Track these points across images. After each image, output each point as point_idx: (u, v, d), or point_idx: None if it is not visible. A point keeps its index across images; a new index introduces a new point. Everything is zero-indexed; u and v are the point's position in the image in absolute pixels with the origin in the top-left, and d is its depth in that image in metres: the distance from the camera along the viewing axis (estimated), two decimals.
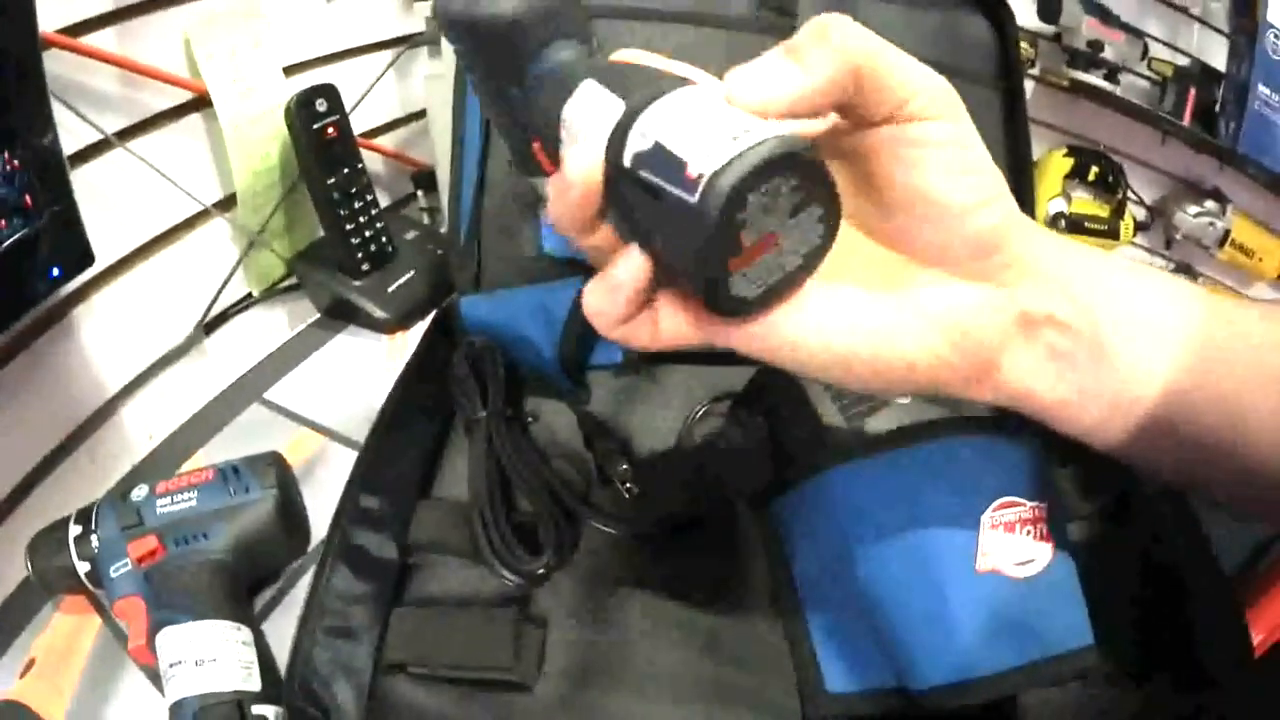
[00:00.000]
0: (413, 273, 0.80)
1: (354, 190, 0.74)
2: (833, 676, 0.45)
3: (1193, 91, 1.15)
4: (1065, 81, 1.14)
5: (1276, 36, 1.04)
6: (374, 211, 0.77)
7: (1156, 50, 1.17)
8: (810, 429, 0.50)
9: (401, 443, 0.55)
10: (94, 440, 0.64)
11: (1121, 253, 1.32)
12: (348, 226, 0.75)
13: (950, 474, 0.42)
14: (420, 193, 0.96)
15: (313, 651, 0.42)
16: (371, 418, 0.53)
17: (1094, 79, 1.13)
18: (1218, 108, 1.14)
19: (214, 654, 0.44)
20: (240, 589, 0.49)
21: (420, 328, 0.70)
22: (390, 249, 0.79)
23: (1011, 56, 0.66)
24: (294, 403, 0.70)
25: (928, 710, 0.40)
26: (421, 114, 0.94)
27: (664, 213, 0.24)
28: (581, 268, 0.62)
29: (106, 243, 0.60)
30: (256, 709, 0.42)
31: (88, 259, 0.56)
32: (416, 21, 0.89)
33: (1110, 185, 1.25)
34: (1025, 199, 0.67)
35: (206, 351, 0.75)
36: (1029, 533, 0.39)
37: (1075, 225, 1.24)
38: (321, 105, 0.71)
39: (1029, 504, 0.40)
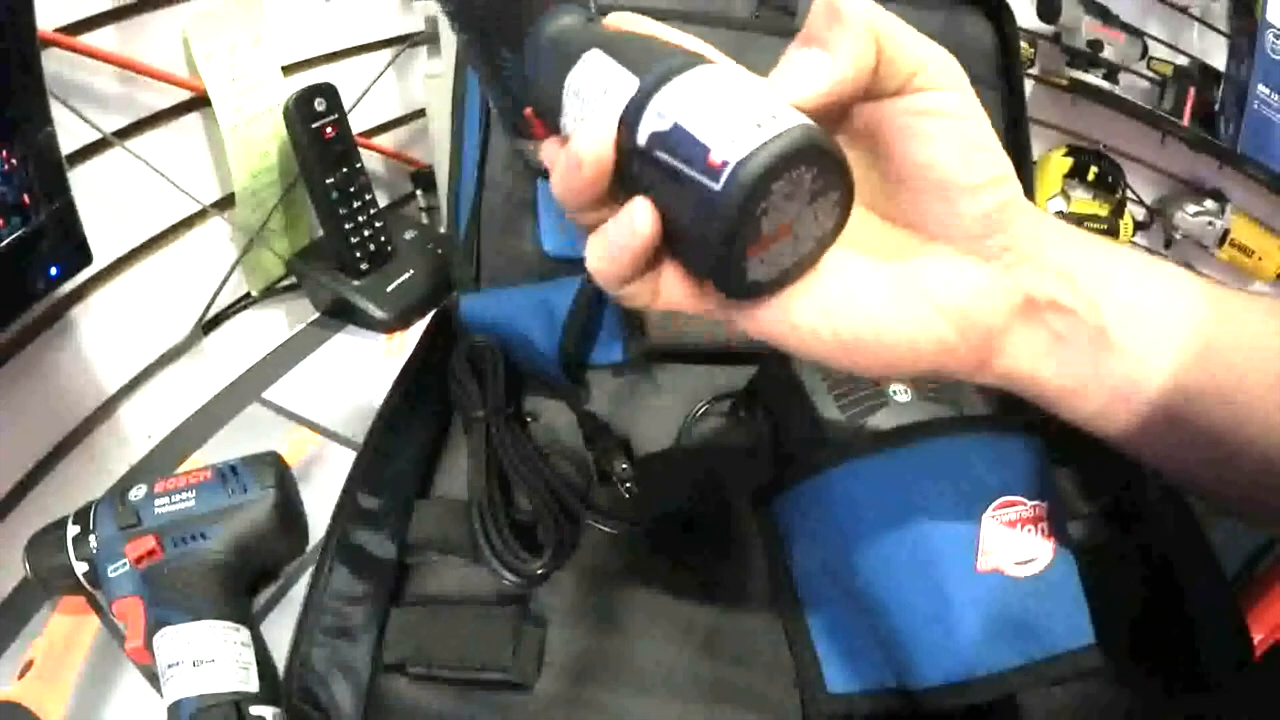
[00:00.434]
0: (412, 272, 0.79)
1: (353, 189, 0.74)
2: (833, 676, 0.45)
3: (1192, 91, 1.15)
4: (1065, 81, 1.14)
5: (1276, 36, 1.04)
6: (373, 211, 0.77)
7: (1156, 50, 1.17)
8: (810, 428, 0.49)
9: (400, 442, 0.55)
10: (92, 440, 0.64)
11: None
12: (347, 226, 0.75)
13: (951, 473, 0.42)
14: (419, 192, 0.96)
15: (311, 651, 0.42)
16: (370, 417, 0.53)
17: (1094, 79, 1.13)
18: (1217, 107, 1.15)
19: (212, 654, 0.43)
20: (239, 589, 0.49)
21: (419, 328, 0.70)
22: (389, 248, 0.79)
23: (1011, 56, 0.66)
24: (293, 402, 0.70)
25: (928, 710, 0.40)
26: (420, 113, 0.94)
27: (681, 195, 0.24)
28: (581, 267, 0.62)
29: (105, 242, 0.60)
30: (255, 709, 0.42)
31: (86, 258, 0.56)
32: (416, 20, 0.89)
33: (1110, 185, 1.25)
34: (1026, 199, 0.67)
35: (205, 351, 0.75)
36: (1030, 532, 0.39)
37: (1075, 225, 1.24)
38: (320, 104, 0.71)
39: (1030, 503, 0.40)
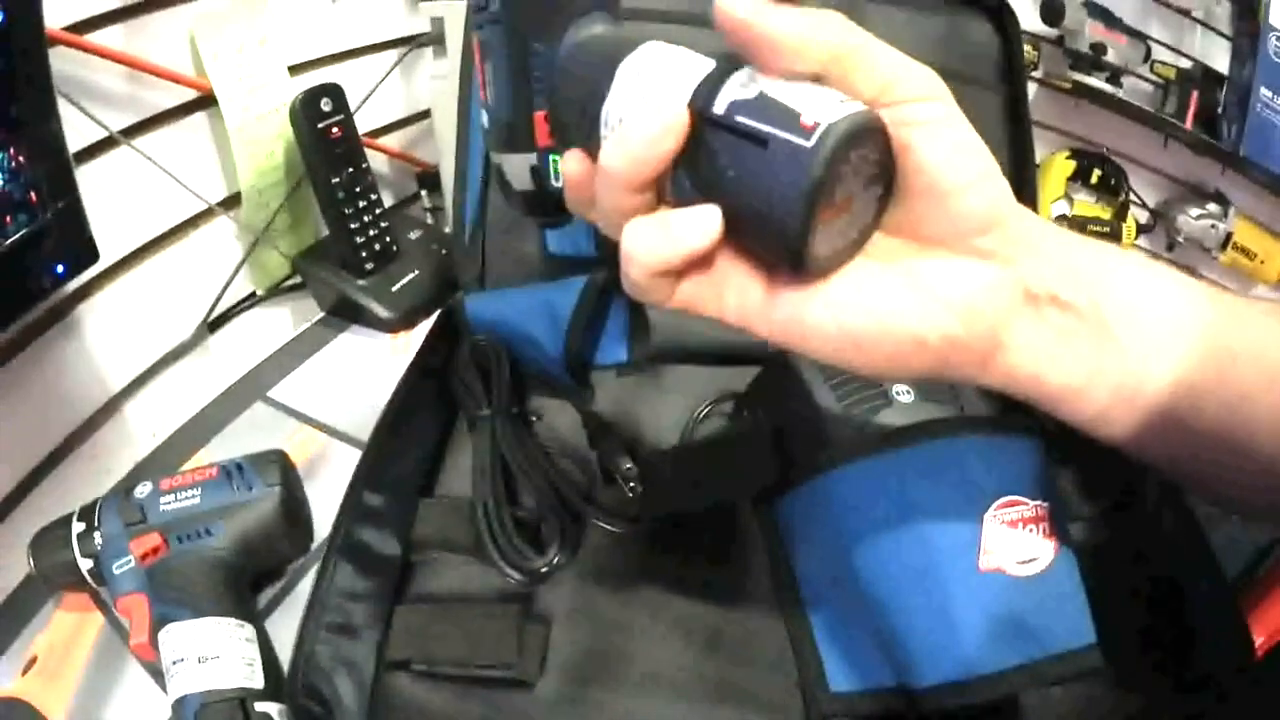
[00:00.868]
0: (417, 272, 0.80)
1: (358, 189, 0.75)
2: (835, 675, 0.45)
3: (1195, 94, 1.15)
4: (1068, 84, 1.15)
5: (1279, 39, 1.04)
6: (378, 211, 0.77)
7: (1159, 53, 1.17)
8: (813, 428, 0.49)
9: (405, 441, 0.55)
10: (97, 437, 0.64)
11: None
12: (352, 225, 0.75)
13: (953, 473, 0.42)
14: (424, 192, 0.96)
15: (315, 648, 0.42)
16: (375, 416, 0.53)
17: (1097, 82, 1.13)
18: (1220, 110, 1.15)
19: (217, 651, 0.44)
20: (243, 586, 0.49)
21: (424, 328, 0.70)
22: (394, 248, 0.80)
23: (1014, 60, 0.66)
24: (297, 401, 0.70)
25: (930, 709, 0.40)
26: (426, 114, 0.94)
27: (762, 160, 0.25)
28: (585, 266, 0.62)
29: (111, 240, 0.61)
30: (259, 706, 0.42)
31: (92, 256, 0.56)
32: (422, 21, 0.89)
33: (1113, 188, 1.25)
34: (1028, 202, 0.67)
35: (210, 349, 0.75)
36: (1031, 531, 0.39)
37: (1077, 228, 1.24)
38: (326, 104, 0.71)
39: (1031, 503, 0.40)
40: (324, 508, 0.55)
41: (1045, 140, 1.26)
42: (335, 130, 0.72)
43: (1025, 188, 0.67)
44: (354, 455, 0.51)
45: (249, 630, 0.46)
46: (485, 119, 0.38)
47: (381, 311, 0.76)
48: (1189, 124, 1.16)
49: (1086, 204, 1.27)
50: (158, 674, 0.47)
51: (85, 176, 0.56)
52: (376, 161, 0.88)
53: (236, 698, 0.42)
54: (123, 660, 0.50)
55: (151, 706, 0.48)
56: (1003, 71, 0.67)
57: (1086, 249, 0.30)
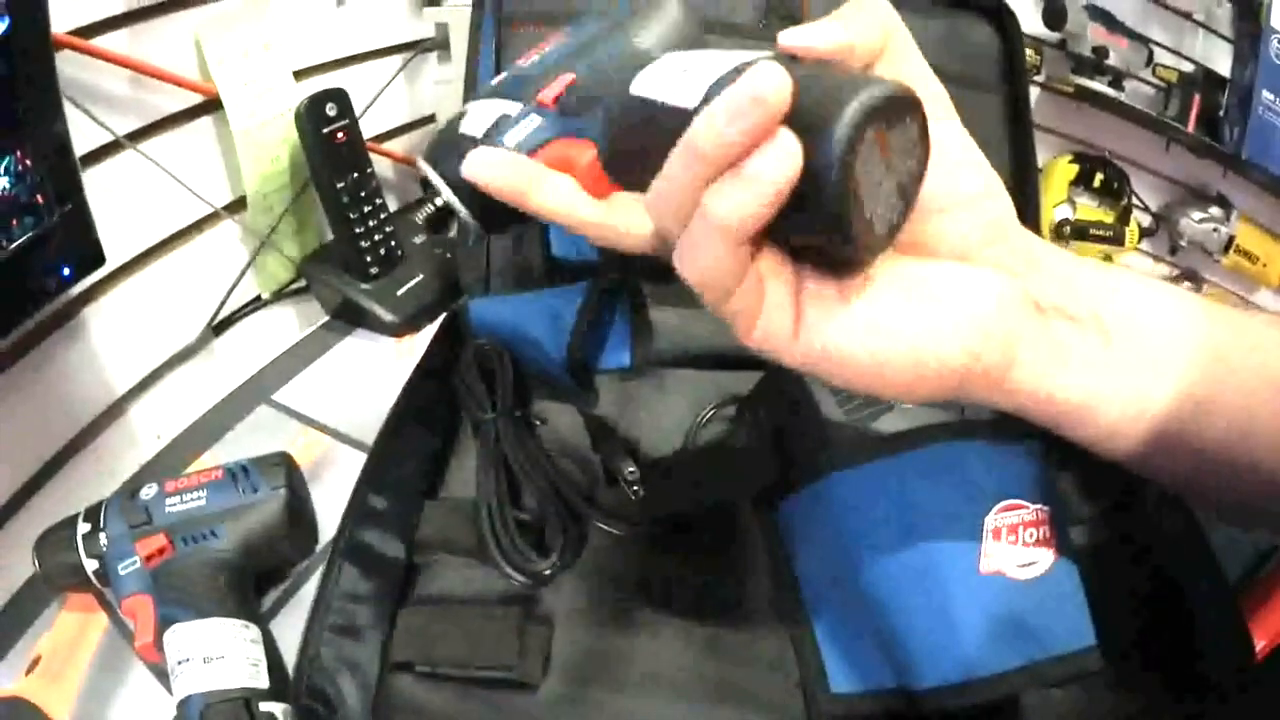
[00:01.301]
0: (421, 276, 0.80)
1: (363, 194, 0.75)
2: (836, 677, 0.45)
3: (1197, 97, 1.16)
4: (1070, 88, 1.15)
5: None
6: (383, 215, 0.77)
7: (1161, 56, 1.17)
8: (815, 432, 0.50)
9: (409, 444, 0.55)
10: (102, 439, 0.65)
11: (1126, 259, 1.33)
12: (357, 230, 0.75)
13: (953, 476, 0.42)
14: (429, 197, 0.96)
15: (320, 649, 0.43)
16: (379, 420, 0.53)
17: (1099, 85, 1.14)
18: (1222, 113, 1.15)
19: (222, 651, 0.44)
20: (248, 587, 0.50)
21: (428, 332, 0.70)
22: (399, 253, 0.80)
23: (1016, 63, 0.66)
24: (302, 404, 0.70)
25: (930, 710, 0.40)
26: (431, 119, 0.95)
27: (798, 121, 0.24)
28: (589, 271, 0.63)
29: (117, 243, 0.61)
30: (264, 706, 0.43)
31: (98, 259, 0.56)
32: (426, 26, 0.90)
33: (1115, 191, 1.25)
34: (1030, 205, 0.67)
35: (215, 353, 0.76)
36: (1032, 535, 0.40)
37: (1080, 231, 1.24)
38: (331, 109, 0.72)
39: (1032, 506, 0.40)
40: (328, 510, 0.55)
41: (1047, 144, 1.26)
42: (340, 135, 0.72)
43: (1027, 192, 0.67)
44: (358, 458, 0.52)
45: (254, 631, 0.46)
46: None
47: (386, 315, 0.77)
48: (1191, 127, 1.16)
49: (1089, 208, 1.27)
50: (162, 675, 0.47)
51: (91, 180, 0.57)
52: (381, 166, 0.89)
53: (241, 698, 0.42)
54: (126, 661, 0.50)
55: (155, 707, 0.48)
56: (1004, 75, 0.67)
57: (1085, 266, 0.31)
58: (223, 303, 0.76)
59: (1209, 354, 0.30)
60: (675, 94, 0.28)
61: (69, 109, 0.54)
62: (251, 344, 0.77)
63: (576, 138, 0.32)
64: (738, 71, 0.26)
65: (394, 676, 0.46)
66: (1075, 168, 1.23)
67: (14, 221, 0.48)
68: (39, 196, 0.50)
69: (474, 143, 0.34)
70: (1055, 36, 1.14)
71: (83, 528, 0.49)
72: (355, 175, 0.74)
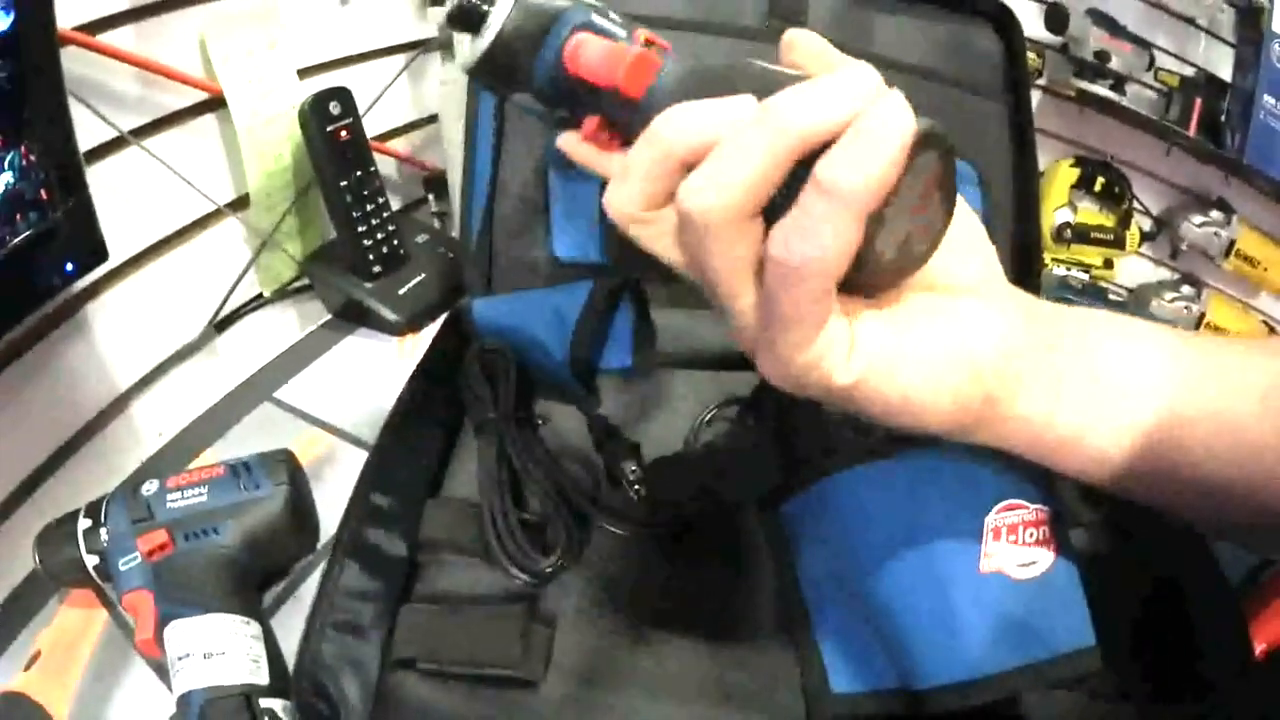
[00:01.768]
0: (424, 275, 0.80)
1: (366, 193, 0.75)
2: (838, 677, 0.45)
3: (1199, 102, 1.16)
4: (1072, 92, 1.15)
5: None
6: (386, 214, 0.77)
7: (1163, 61, 1.18)
8: (817, 433, 0.50)
9: (412, 442, 0.55)
10: (104, 436, 0.65)
11: (1127, 263, 1.33)
12: (360, 229, 0.75)
13: (954, 477, 0.42)
14: (431, 196, 0.96)
15: (321, 646, 0.43)
16: (381, 419, 0.53)
17: (1101, 89, 1.14)
18: (1223, 118, 1.15)
19: (222, 647, 0.44)
20: (249, 584, 0.50)
21: (430, 331, 0.70)
22: (402, 252, 0.80)
23: (1018, 67, 0.66)
24: (304, 402, 0.70)
25: (931, 710, 0.40)
26: (434, 118, 0.95)
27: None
28: (592, 271, 0.63)
29: (120, 240, 0.61)
30: (264, 702, 0.42)
31: (102, 255, 0.56)
32: (430, 26, 0.90)
33: (1116, 195, 1.26)
34: (1031, 209, 0.67)
35: (217, 350, 0.76)
36: (1032, 535, 0.40)
37: (1081, 235, 1.25)
38: (335, 108, 0.72)
39: (1032, 506, 0.40)
40: (330, 508, 0.55)
41: (1049, 148, 1.26)
42: (344, 133, 0.73)
43: (1029, 196, 0.67)
44: (360, 456, 0.52)
45: (255, 627, 0.46)
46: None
47: (388, 314, 0.77)
48: (1192, 131, 1.17)
49: (1090, 212, 1.28)
50: (161, 670, 0.47)
51: (95, 176, 0.57)
52: (384, 165, 0.89)
53: (242, 694, 0.42)
54: (126, 657, 0.50)
55: (154, 703, 0.48)
56: (1006, 79, 0.67)
57: (1066, 308, 0.33)
58: (225, 300, 0.76)
59: (1188, 382, 0.31)
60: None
61: (74, 105, 0.54)
62: (254, 342, 0.77)
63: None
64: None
65: (395, 674, 0.46)
66: (1076, 171, 1.23)
67: (18, 216, 0.48)
68: (43, 192, 0.50)
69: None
70: (1057, 40, 1.14)
71: (84, 523, 0.49)
72: (358, 174, 0.74)
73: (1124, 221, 1.27)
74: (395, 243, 0.79)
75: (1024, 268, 0.68)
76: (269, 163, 0.75)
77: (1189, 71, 1.19)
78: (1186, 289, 1.34)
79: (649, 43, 0.34)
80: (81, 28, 0.58)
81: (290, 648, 0.43)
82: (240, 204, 0.75)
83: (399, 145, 0.94)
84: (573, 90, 0.35)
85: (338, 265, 0.78)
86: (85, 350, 0.63)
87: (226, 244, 0.75)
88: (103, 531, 0.49)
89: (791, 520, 0.51)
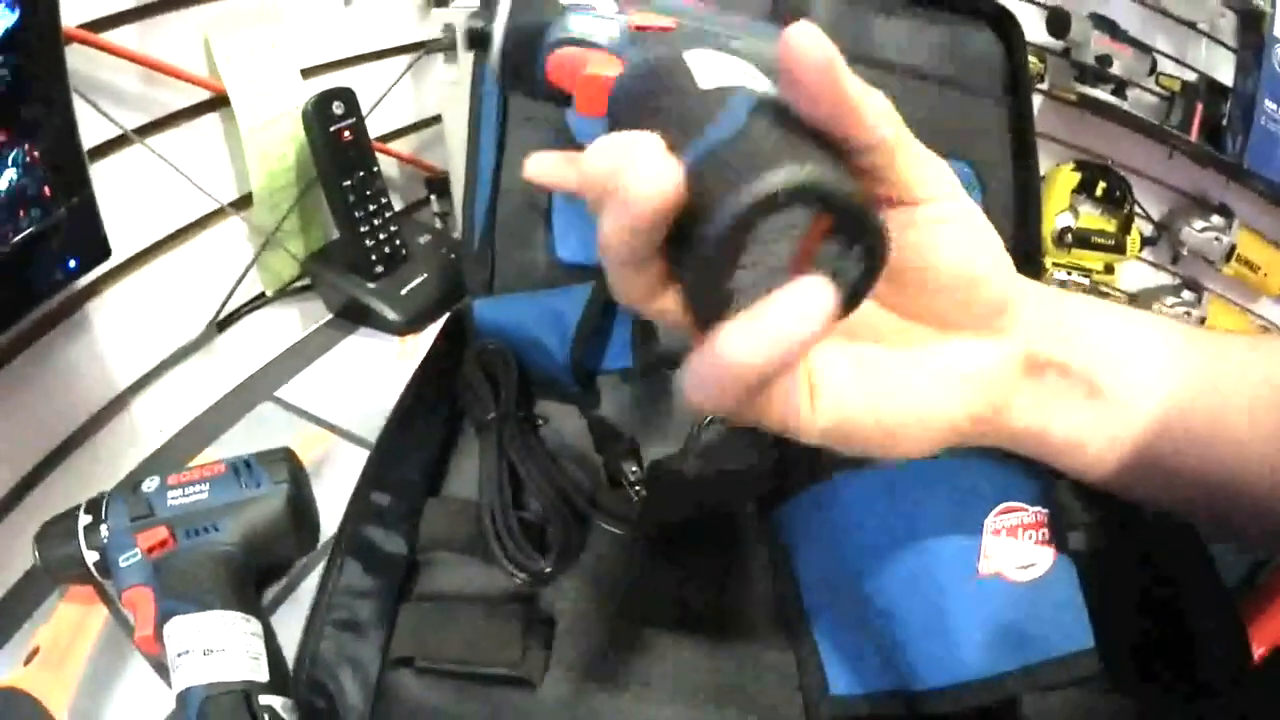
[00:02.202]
0: (425, 276, 0.80)
1: (369, 193, 0.75)
2: (836, 679, 0.45)
3: (1200, 106, 1.16)
4: (1073, 96, 1.15)
5: None
6: (388, 214, 0.78)
7: (1164, 65, 1.18)
8: None
9: (412, 442, 0.55)
10: (104, 433, 0.65)
11: (1128, 267, 1.33)
12: (362, 229, 0.75)
13: (953, 479, 0.42)
14: (434, 197, 0.96)
15: (320, 644, 0.43)
16: (382, 418, 0.53)
17: (1102, 94, 1.14)
18: (1224, 123, 1.15)
19: (222, 644, 0.44)
20: (249, 581, 0.50)
21: (432, 331, 0.70)
22: (403, 252, 0.80)
23: (1019, 71, 0.66)
24: (305, 402, 0.71)
25: (929, 712, 0.40)
26: (436, 119, 0.95)
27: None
28: (592, 273, 0.63)
29: (123, 237, 0.61)
30: (263, 699, 0.42)
31: (104, 253, 0.57)
32: (433, 27, 0.90)
33: (1117, 200, 1.26)
34: (1032, 214, 0.67)
35: (218, 349, 0.76)
36: (1031, 538, 0.40)
37: (1082, 239, 1.25)
38: (338, 108, 0.72)
39: (1031, 509, 0.40)
40: (330, 507, 0.55)
41: (1050, 152, 1.26)
42: (347, 134, 0.73)
43: (1029, 201, 0.67)
44: (360, 456, 0.52)
45: (254, 625, 0.46)
46: None
47: (390, 314, 0.77)
48: (1193, 136, 1.17)
49: (1091, 216, 1.28)
50: (161, 667, 0.47)
51: (98, 174, 0.57)
52: (387, 166, 0.89)
53: (241, 690, 0.42)
54: (125, 653, 0.50)
55: (153, 700, 0.48)
56: (1007, 83, 0.67)
57: (1073, 306, 0.32)
58: (227, 299, 0.76)
59: (1189, 384, 0.31)
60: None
61: (78, 103, 0.54)
62: (255, 341, 0.77)
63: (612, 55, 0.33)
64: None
65: (394, 672, 0.46)
66: (1078, 176, 1.23)
67: (21, 213, 0.49)
68: (46, 189, 0.50)
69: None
70: (1059, 45, 1.15)
71: (84, 519, 0.49)
72: (361, 174, 0.74)
73: (1125, 226, 1.27)
74: (397, 243, 0.79)
75: (1024, 272, 0.68)
76: (271, 162, 0.75)
77: (1190, 76, 1.19)
78: (1187, 294, 1.34)
79: (638, 29, 0.33)
80: (86, 25, 0.58)
81: (290, 645, 0.44)
82: (243, 203, 0.75)
83: (402, 146, 0.94)
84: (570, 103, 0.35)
85: (339, 265, 0.79)
86: (87, 347, 0.63)
87: (228, 243, 0.76)
88: (103, 528, 0.49)
89: (790, 522, 0.51)
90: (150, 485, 0.50)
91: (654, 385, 0.65)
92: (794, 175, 0.21)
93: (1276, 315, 1.35)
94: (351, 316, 0.80)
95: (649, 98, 0.29)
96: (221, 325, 0.76)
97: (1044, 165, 1.09)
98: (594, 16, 0.34)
